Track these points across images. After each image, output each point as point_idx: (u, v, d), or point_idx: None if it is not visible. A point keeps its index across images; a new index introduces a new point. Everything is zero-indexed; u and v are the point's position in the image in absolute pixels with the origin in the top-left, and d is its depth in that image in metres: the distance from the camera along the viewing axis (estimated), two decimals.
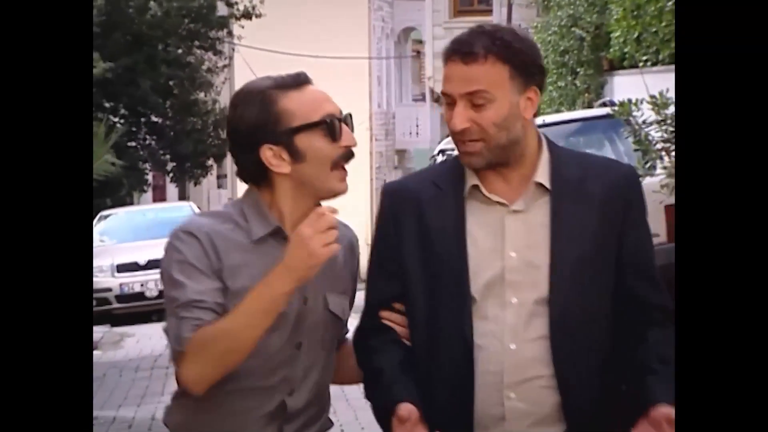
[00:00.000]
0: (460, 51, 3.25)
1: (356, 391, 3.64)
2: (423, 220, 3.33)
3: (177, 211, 24.53)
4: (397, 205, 3.39)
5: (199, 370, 3.29)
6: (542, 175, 3.31)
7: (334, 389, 3.57)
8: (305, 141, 3.37)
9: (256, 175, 3.43)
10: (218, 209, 3.54)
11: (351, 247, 3.57)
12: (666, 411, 3.15)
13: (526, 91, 3.27)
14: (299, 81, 3.41)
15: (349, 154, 3.41)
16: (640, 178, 3.43)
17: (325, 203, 3.38)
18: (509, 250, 3.29)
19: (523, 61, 3.26)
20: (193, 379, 3.30)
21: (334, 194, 3.42)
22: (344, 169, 3.42)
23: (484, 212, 3.31)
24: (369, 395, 3.38)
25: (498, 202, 3.30)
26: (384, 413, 3.26)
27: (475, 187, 3.31)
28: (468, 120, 3.25)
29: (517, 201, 3.30)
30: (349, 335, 3.58)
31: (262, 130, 3.37)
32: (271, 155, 3.37)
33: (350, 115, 3.45)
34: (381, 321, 3.38)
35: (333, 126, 3.37)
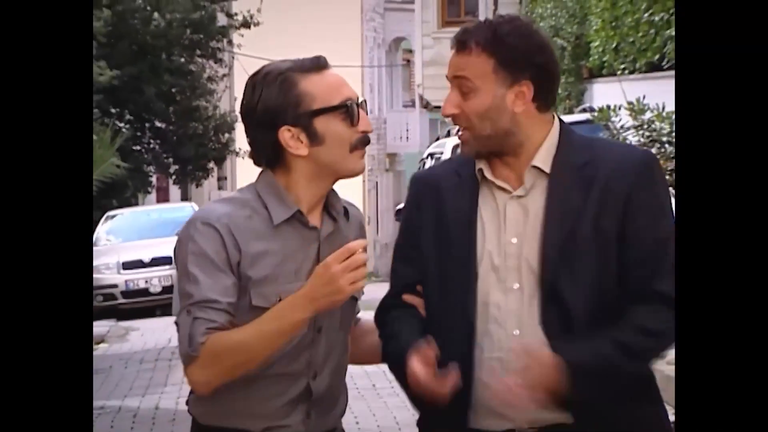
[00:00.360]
0: (455, 40, 3.20)
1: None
2: (442, 207, 3.27)
3: (179, 211, 24.53)
4: (420, 193, 3.34)
5: (208, 377, 3.20)
6: (541, 160, 3.21)
7: None
8: (324, 124, 3.26)
9: (272, 157, 3.30)
10: (235, 195, 3.36)
11: (361, 226, 3.47)
12: (541, 354, 3.07)
13: (516, 85, 3.17)
14: (319, 65, 3.30)
15: (366, 139, 3.31)
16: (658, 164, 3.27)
17: (352, 234, 3.33)
18: (510, 236, 3.21)
19: (511, 55, 3.16)
20: (200, 383, 3.22)
21: (354, 174, 3.35)
22: (363, 151, 3.34)
23: (492, 198, 3.24)
24: (386, 359, 3.32)
25: (502, 188, 3.23)
26: (399, 366, 3.18)
27: (481, 171, 3.24)
28: (455, 106, 3.20)
29: (520, 187, 3.22)
30: (361, 314, 3.54)
31: (282, 112, 3.25)
32: (289, 137, 3.25)
33: (365, 102, 3.37)
34: (402, 301, 3.32)
35: (352, 110, 3.27)
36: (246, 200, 3.29)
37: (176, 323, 3.23)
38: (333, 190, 3.37)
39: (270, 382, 3.27)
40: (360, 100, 3.32)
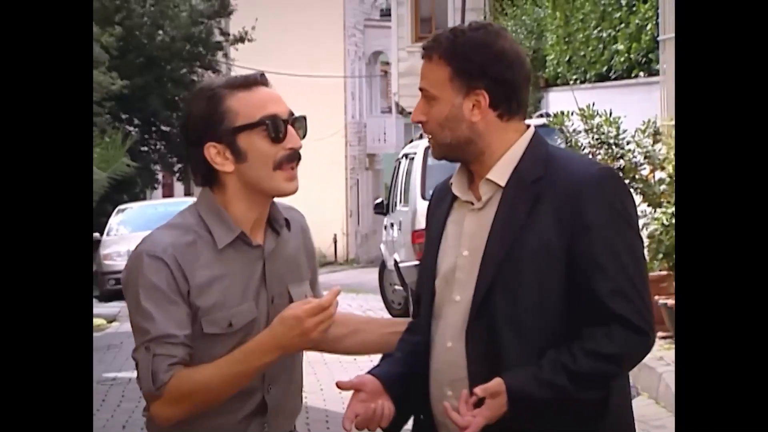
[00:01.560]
0: (422, 49, 2.93)
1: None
2: (430, 220, 3.02)
3: (182, 205, 23.72)
4: (430, 205, 3.06)
5: (171, 414, 2.92)
6: (496, 172, 2.87)
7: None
8: (246, 141, 2.92)
9: (206, 174, 2.98)
10: (177, 220, 3.03)
11: (302, 230, 3.13)
12: (490, 386, 2.74)
13: (471, 93, 2.85)
14: (250, 82, 2.97)
15: (293, 156, 2.94)
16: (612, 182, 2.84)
17: (329, 276, 3.06)
18: (463, 248, 2.88)
19: (465, 64, 2.84)
20: (163, 418, 2.93)
21: (281, 194, 2.98)
22: (291, 169, 2.96)
23: (457, 210, 2.94)
24: None
25: (466, 201, 2.92)
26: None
27: (451, 184, 2.96)
28: (422, 113, 2.90)
29: (480, 200, 2.90)
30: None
31: (207, 128, 2.93)
32: (215, 153, 2.94)
33: (303, 118, 3.00)
34: (412, 323, 3.06)
35: (275, 127, 2.92)
36: (189, 225, 2.97)
37: (134, 359, 2.93)
38: (273, 203, 3.04)
39: (225, 399, 2.94)
40: (294, 117, 2.97)
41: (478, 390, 2.73)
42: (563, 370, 2.73)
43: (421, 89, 2.91)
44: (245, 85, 2.96)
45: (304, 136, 3.02)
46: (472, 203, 2.90)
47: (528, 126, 2.93)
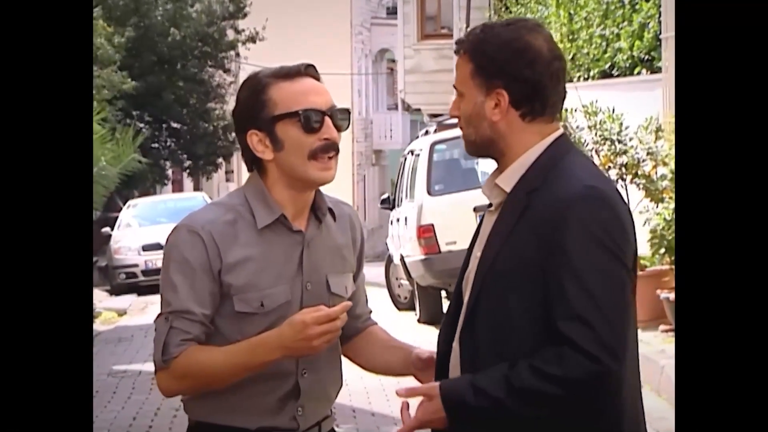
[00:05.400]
0: (456, 43, 2.81)
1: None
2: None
3: (192, 200, 24.56)
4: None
5: (174, 387, 2.98)
6: (504, 179, 2.75)
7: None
8: (283, 130, 2.96)
9: (250, 160, 3.03)
10: (224, 199, 3.08)
11: (352, 225, 3.15)
12: (422, 387, 2.70)
13: (492, 92, 2.72)
14: (293, 72, 3.00)
15: (328, 146, 2.97)
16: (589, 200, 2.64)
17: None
18: (477, 250, 2.78)
19: (484, 61, 2.73)
20: (165, 389, 2.99)
21: (316, 183, 3.00)
22: (328, 159, 2.98)
23: (487, 212, 2.84)
24: None
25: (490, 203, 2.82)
26: None
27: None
28: (455, 109, 2.79)
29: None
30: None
31: (250, 116, 2.99)
32: (256, 141, 2.99)
33: (345, 110, 3.03)
34: None
35: (308, 118, 2.94)
36: (233, 205, 3.01)
37: (155, 324, 3.02)
38: (319, 191, 3.07)
39: (258, 382, 2.97)
40: (335, 109, 3.00)
41: (402, 390, 2.68)
42: (504, 382, 2.59)
43: (454, 86, 2.82)
44: (289, 76, 2.99)
45: (346, 128, 3.04)
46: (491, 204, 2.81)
47: (556, 129, 2.77)
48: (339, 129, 3.01)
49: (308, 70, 3.02)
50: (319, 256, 3.03)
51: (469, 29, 2.84)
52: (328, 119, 2.98)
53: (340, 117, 3.01)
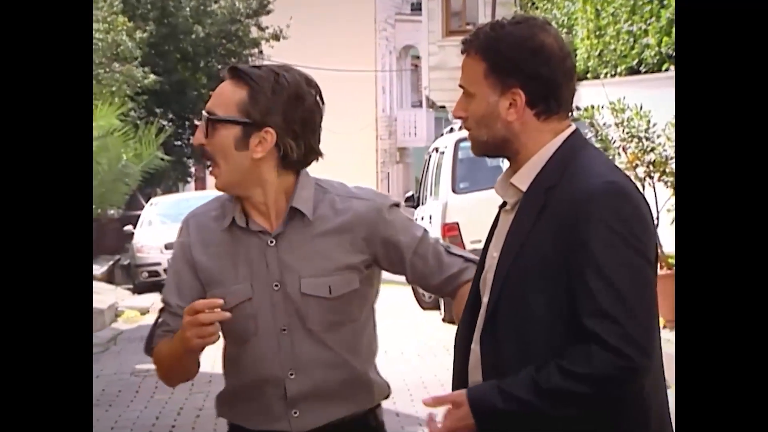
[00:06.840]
0: (462, 42, 2.76)
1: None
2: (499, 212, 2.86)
3: None
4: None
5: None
6: (520, 178, 2.72)
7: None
8: None
9: None
10: (225, 194, 3.10)
11: (358, 219, 3.05)
12: (449, 396, 2.64)
13: (507, 92, 2.68)
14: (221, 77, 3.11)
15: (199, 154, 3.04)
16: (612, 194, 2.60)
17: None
18: (494, 250, 2.74)
19: (499, 60, 2.67)
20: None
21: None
22: (206, 166, 3.10)
23: (502, 211, 2.80)
24: None
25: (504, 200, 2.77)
26: None
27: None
28: (461, 110, 2.74)
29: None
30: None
31: None
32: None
33: (207, 114, 3.02)
34: None
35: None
36: (224, 200, 3.07)
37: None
38: (300, 190, 3.02)
39: (260, 383, 3.01)
40: (205, 113, 3.02)
41: (428, 399, 2.63)
42: (532, 385, 2.56)
43: (460, 86, 2.75)
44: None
45: (207, 136, 3.00)
46: (506, 203, 2.76)
47: (569, 126, 2.74)
48: (205, 135, 3.00)
49: (228, 72, 3.05)
50: (293, 256, 2.99)
51: (475, 28, 2.78)
52: (200, 124, 3.03)
53: (201, 121, 3.03)
